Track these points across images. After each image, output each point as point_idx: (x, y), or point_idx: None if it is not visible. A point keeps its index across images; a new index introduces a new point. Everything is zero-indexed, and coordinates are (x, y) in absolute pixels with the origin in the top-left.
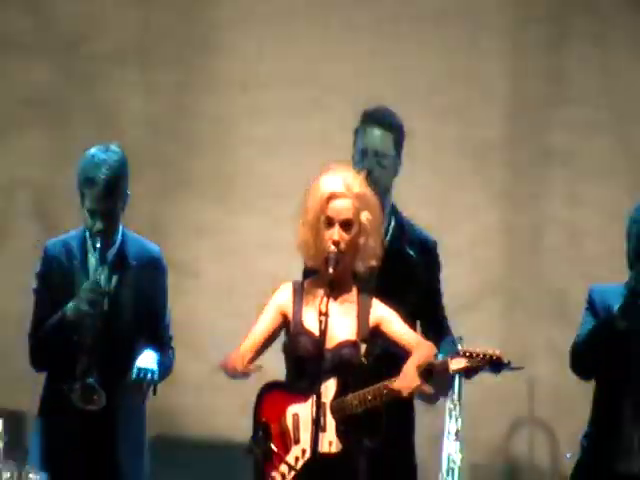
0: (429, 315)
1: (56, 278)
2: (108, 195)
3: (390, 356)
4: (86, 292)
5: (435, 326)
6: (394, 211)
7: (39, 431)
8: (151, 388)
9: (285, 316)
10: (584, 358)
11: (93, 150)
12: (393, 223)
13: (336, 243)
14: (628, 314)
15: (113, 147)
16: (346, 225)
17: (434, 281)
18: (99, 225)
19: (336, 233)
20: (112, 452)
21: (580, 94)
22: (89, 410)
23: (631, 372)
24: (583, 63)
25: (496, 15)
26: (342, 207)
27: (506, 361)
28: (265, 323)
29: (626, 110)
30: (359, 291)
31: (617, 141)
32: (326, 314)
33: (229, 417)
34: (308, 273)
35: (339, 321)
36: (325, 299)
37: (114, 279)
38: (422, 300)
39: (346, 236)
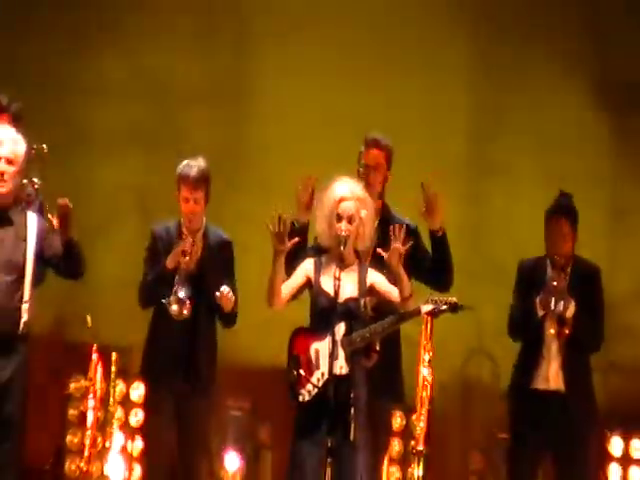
0: (422, 270)
1: (158, 248)
2: (197, 186)
3: (379, 309)
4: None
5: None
6: (385, 206)
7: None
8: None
9: (309, 279)
10: (515, 335)
11: (187, 160)
12: (387, 215)
13: (345, 235)
14: (543, 306)
15: (200, 159)
16: (350, 219)
17: (423, 250)
18: (191, 207)
19: (344, 226)
20: (195, 364)
21: (516, 125)
22: (180, 319)
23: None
24: (517, 103)
25: (458, 67)
26: (348, 207)
27: (461, 304)
28: (295, 279)
29: (547, 135)
30: (359, 263)
31: (541, 157)
32: (338, 279)
33: (271, 350)
34: (315, 248)
35: (346, 284)
36: (337, 269)
37: (198, 252)
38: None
39: (350, 227)
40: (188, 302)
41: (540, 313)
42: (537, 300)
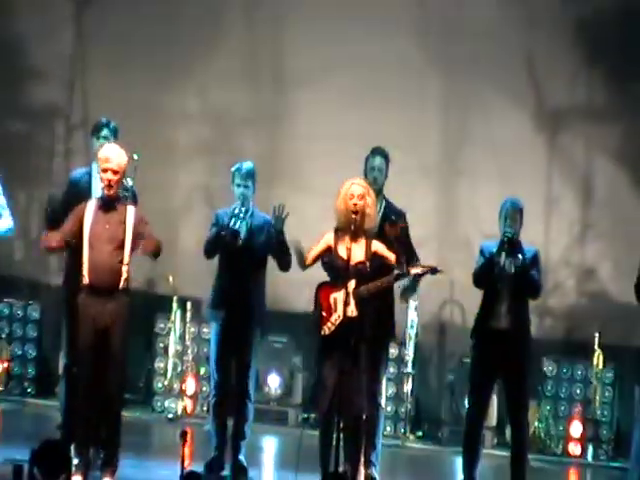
0: (408, 250)
1: (218, 224)
2: (247, 176)
3: (380, 270)
4: (230, 225)
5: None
6: (385, 198)
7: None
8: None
9: (329, 246)
10: (478, 281)
11: (240, 163)
12: (384, 204)
13: (356, 209)
14: (498, 255)
15: (249, 161)
16: (360, 197)
17: (407, 233)
18: (243, 191)
19: (355, 200)
20: (248, 302)
21: (476, 139)
22: (233, 246)
23: (499, 281)
24: (477, 124)
25: (435, 99)
26: (358, 189)
27: (439, 269)
28: (319, 246)
29: (499, 147)
30: (366, 237)
31: (494, 162)
32: (349, 249)
33: (303, 300)
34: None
35: (356, 251)
36: (349, 241)
37: (246, 226)
38: (399, 242)
39: (360, 202)
40: (239, 234)
41: (495, 261)
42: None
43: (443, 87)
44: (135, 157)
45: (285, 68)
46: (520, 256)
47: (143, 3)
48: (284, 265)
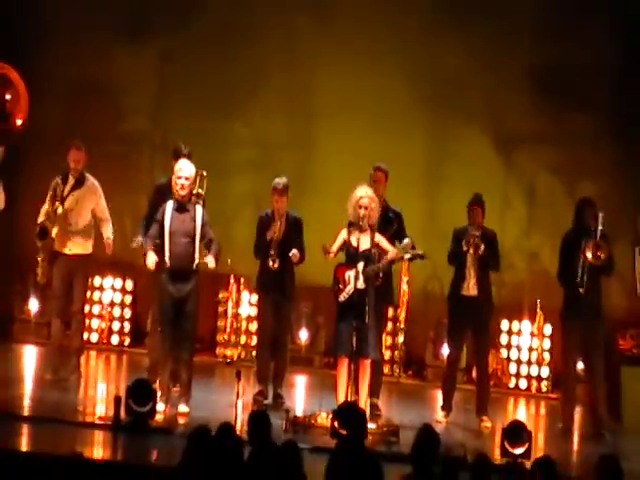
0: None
1: (263, 226)
2: (282, 193)
3: (381, 255)
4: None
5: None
6: (384, 200)
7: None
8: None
9: (345, 240)
10: (451, 262)
11: (277, 178)
12: (385, 206)
13: (363, 215)
14: (466, 244)
15: (284, 177)
16: (366, 207)
17: (402, 226)
18: (279, 205)
19: (362, 211)
20: (283, 285)
21: (451, 156)
22: (273, 269)
23: (466, 259)
24: (453, 143)
25: (421, 126)
26: (364, 201)
27: (424, 255)
28: (337, 242)
29: (468, 162)
30: (371, 231)
31: (465, 173)
32: (358, 239)
33: (325, 277)
34: (350, 223)
35: (363, 242)
36: (358, 234)
37: (282, 227)
38: (395, 233)
39: (365, 212)
40: (278, 260)
41: (465, 248)
42: (463, 242)
43: (427, 119)
44: (204, 173)
45: (314, 104)
46: (482, 246)
47: (206, 59)
48: (298, 264)
